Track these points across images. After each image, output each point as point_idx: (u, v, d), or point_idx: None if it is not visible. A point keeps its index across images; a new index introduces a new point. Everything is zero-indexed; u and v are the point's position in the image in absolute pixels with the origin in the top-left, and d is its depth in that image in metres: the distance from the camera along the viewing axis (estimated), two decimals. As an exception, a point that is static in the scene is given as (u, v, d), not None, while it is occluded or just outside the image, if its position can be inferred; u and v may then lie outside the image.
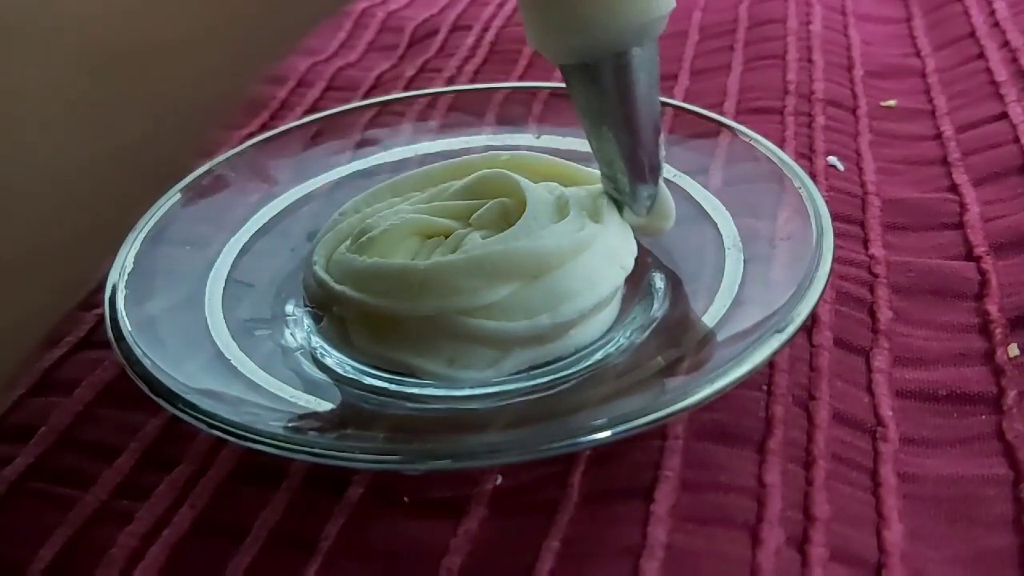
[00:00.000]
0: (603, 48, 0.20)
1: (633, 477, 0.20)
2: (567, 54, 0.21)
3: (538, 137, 0.29)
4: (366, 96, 0.37)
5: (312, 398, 0.21)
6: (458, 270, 0.21)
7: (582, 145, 0.29)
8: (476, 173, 0.25)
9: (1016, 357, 0.22)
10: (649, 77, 0.21)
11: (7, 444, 0.22)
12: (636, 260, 0.23)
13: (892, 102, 0.34)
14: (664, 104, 0.29)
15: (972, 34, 0.37)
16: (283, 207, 0.27)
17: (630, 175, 0.22)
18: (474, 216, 0.24)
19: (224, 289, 0.24)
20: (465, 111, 0.31)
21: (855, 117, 0.33)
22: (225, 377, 0.21)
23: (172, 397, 0.19)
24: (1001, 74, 0.33)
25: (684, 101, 0.33)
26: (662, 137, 0.22)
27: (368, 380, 0.22)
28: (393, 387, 0.22)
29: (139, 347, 0.21)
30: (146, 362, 0.20)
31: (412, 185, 0.27)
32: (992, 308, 0.24)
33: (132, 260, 0.24)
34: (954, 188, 0.28)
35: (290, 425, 0.20)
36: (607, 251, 0.22)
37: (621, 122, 0.21)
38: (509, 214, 0.23)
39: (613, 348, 0.22)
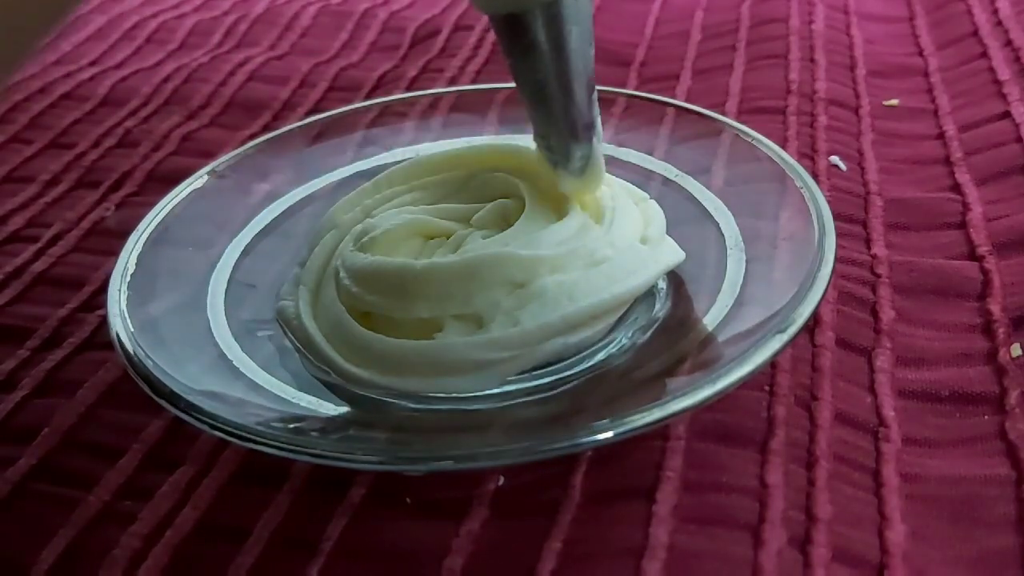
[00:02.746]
0: None
1: (635, 478, 0.20)
2: (494, 3, 0.20)
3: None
4: (368, 96, 0.38)
5: (314, 399, 0.21)
6: (451, 274, 0.21)
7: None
8: (477, 173, 0.25)
9: (1019, 357, 0.22)
10: (581, 29, 0.20)
11: (10, 445, 0.22)
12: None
13: (894, 101, 0.34)
14: (666, 104, 0.29)
15: (975, 33, 0.37)
16: (285, 208, 0.28)
17: (563, 133, 0.22)
18: (475, 217, 0.24)
19: (226, 290, 0.24)
20: (467, 111, 0.31)
21: (857, 116, 0.33)
22: (227, 378, 0.21)
23: (174, 398, 0.19)
24: (1004, 73, 0.33)
25: (686, 101, 0.33)
26: (595, 95, 0.22)
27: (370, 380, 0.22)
28: (395, 387, 0.22)
29: (141, 348, 0.21)
30: (148, 363, 0.20)
31: (404, 176, 0.26)
32: (995, 308, 0.23)
33: (134, 261, 0.24)
34: (957, 188, 0.28)
35: (292, 426, 0.20)
36: (610, 260, 0.22)
37: (553, 77, 0.21)
38: (509, 215, 0.23)
39: (615, 348, 0.22)
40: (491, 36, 0.41)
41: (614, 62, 0.39)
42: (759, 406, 0.21)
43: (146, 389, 0.20)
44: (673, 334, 0.22)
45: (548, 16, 0.20)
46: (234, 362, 0.22)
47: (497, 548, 0.19)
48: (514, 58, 0.21)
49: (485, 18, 0.43)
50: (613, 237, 0.23)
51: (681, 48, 0.39)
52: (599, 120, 0.22)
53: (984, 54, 0.35)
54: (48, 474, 0.21)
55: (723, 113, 0.33)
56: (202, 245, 0.26)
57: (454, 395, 0.21)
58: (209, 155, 0.34)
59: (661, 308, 0.23)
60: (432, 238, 0.24)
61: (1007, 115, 0.31)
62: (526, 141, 0.29)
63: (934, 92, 0.34)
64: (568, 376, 0.22)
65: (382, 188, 0.26)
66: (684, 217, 0.25)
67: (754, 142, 0.26)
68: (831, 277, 0.21)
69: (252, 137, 0.35)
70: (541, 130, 0.22)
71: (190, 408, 0.19)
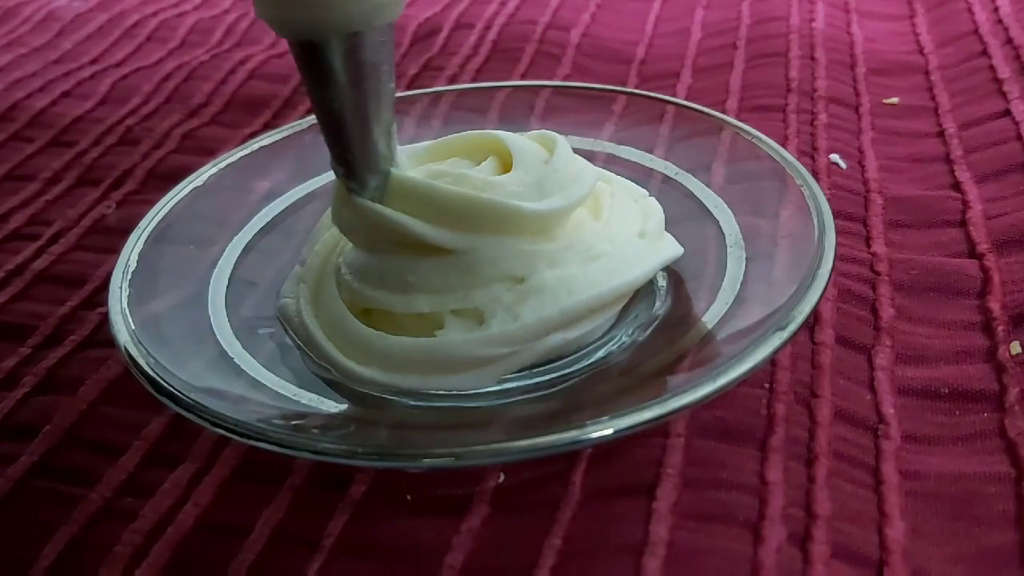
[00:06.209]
0: (329, 27, 0.19)
1: (635, 475, 0.20)
2: (291, 28, 0.19)
3: (540, 135, 0.29)
4: (369, 94, 0.37)
5: (315, 396, 0.21)
6: (451, 267, 0.21)
7: (584, 144, 0.29)
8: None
9: (1018, 355, 0.22)
10: (379, 62, 0.20)
11: (12, 442, 0.22)
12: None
13: (895, 99, 0.34)
14: (666, 102, 0.29)
15: (975, 31, 0.37)
16: (286, 205, 0.28)
17: (359, 163, 0.21)
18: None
19: (227, 287, 0.24)
20: (467, 109, 0.31)
21: (857, 115, 0.33)
22: (228, 375, 0.21)
23: (175, 396, 0.19)
24: (1004, 71, 0.33)
25: (687, 99, 0.33)
26: (394, 127, 0.21)
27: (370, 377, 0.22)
28: (395, 384, 0.22)
29: (143, 346, 0.21)
30: (150, 361, 0.20)
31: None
32: (994, 306, 0.24)
33: (135, 259, 0.24)
34: (957, 185, 0.28)
35: (293, 423, 0.20)
36: (608, 254, 0.22)
37: (350, 108, 0.20)
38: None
39: (615, 346, 0.22)
40: (492, 35, 0.41)
41: (614, 60, 0.39)
42: (759, 403, 0.21)
43: (147, 386, 0.20)
44: (673, 331, 0.22)
45: (346, 47, 0.19)
46: (235, 359, 0.22)
47: (498, 545, 0.19)
48: (311, 85, 0.20)
49: (486, 17, 0.43)
50: (611, 232, 0.23)
51: (681, 46, 0.39)
52: (397, 151, 0.22)
53: (984, 52, 0.35)
54: (49, 471, 0.22)
55: (723, 111, 0.33)
56: (203, 243, 0.26)
57: (455, 392, 0.21)
58: (210, 153, 0.34)
59: (661, 306, 0.23)
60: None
61: (1007, 113, 0.31)
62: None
63: (934, 90, 0.34)
64: (568, 373, 0.22)
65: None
66: (684, 215, 0.25)
67: (754, 140, 0.26)
68: (831, 275, 0.21)
69: (253, 135, 0.35)
70: (337, 157, 0.21)
71: (191, 405, 0.19)
